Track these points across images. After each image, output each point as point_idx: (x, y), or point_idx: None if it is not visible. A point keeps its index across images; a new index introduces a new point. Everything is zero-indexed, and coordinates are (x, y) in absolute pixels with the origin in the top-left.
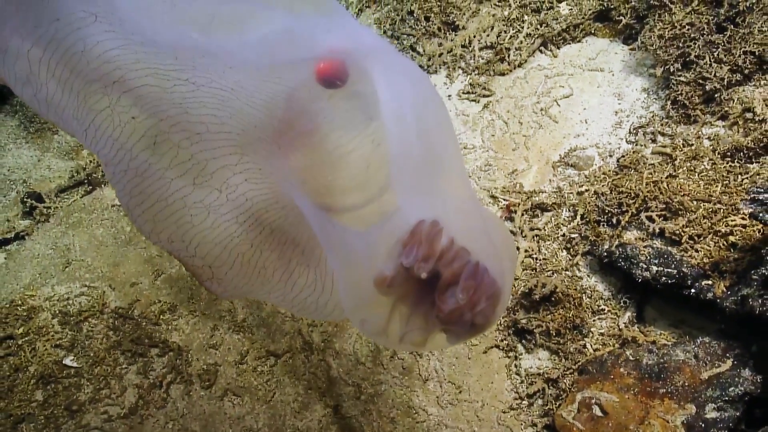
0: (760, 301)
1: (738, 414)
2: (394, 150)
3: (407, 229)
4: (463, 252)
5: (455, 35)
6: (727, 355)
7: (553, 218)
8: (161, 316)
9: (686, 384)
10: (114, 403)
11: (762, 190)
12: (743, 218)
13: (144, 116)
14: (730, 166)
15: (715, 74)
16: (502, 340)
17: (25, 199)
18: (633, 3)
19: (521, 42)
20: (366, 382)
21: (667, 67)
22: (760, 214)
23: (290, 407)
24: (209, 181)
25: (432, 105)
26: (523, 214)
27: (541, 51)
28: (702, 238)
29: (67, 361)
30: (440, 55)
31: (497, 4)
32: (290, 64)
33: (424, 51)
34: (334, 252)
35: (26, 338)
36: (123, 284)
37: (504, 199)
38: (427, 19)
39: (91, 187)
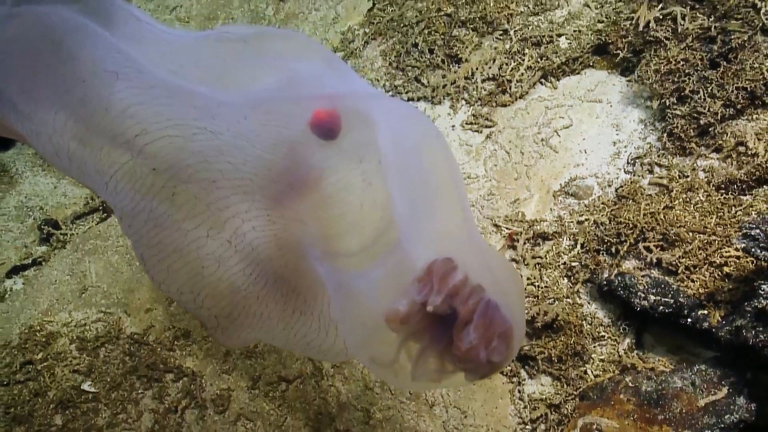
0: (753, 332)
1: None
2: (395, 189)
3: (418, 266)
4: (478, 289)
5: (458, 67)
6: (723, 383)
7: (554, 247)
8: (175, 342)
9: (684, 411)
10: (131, 427)
11: (753, 226)
12: (737, 250)
13: (165, 167)
14: (724, 198)
15: (709, 109)
16: (505, 366)
17: (42, 226)
18: (630, 38)
19: (522, 74)
20: (374, 407)
21: (663, 100)
22: (753, 249)
23: None
24: (221, 232)
25: (433, 143)
26: (525, 243)
27: (541, 83)
28: (698, 269)
29: (85, 386)
30: (444, 86)
31: (499, 37)
32: (287, 114)
33: (428, 82)
34: (338, 294)
35: (45, 363)
36: (138, 310)
37: (506, 228)
38: (431, 51)
39: (105, 214)
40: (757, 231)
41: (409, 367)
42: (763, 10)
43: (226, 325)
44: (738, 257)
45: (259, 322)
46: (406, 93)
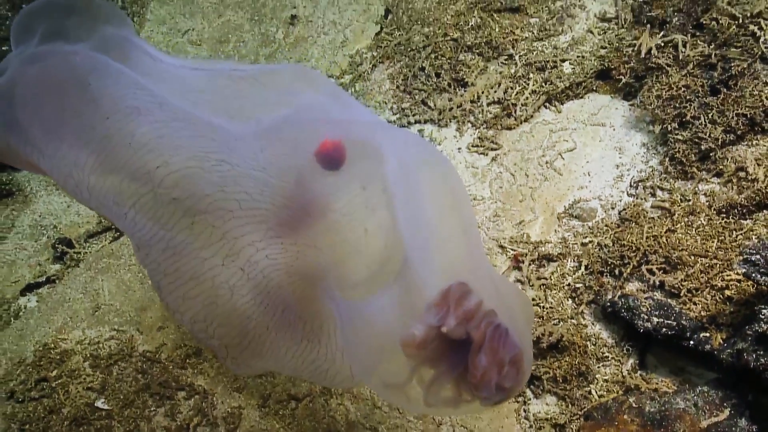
0: (754, 356)
1: None
2: (401, 216)
3: (427, 292)
4: (491, 314)
5: (464, 91)
6: (725, 404)
7: (558, 268)
8: (187, 360)
9: None
10: None
11: (753, 251)
12: (738, 274)
13: (185, 196)
14: (725, 222)
15: (709, 134)
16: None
17: (56, 245)
18: (632, 64)
19: (527, 98)
20: (383, 426)
21: (665, 125)
22: (753, 274)
23: None
24: (236, 260)
25: (439, 171)
26: (530, 264)
27: (545, 107)
28: (699, 292)
29: (99, 404)
30: (450, 109)
31: (504, 62)
32: (296, 144)
33: (435, 105)
34: (348, 321)
35: (59, 381)
36: (150, 328)
37: (512, 249)
38: (437, 75)
39: (118, 233)
40: (758, 257)
41: (421, 392)
42: (761, 39)
43: (236, 354)
44: (739, 281)
45: (269, 351)
46: (413, 116)
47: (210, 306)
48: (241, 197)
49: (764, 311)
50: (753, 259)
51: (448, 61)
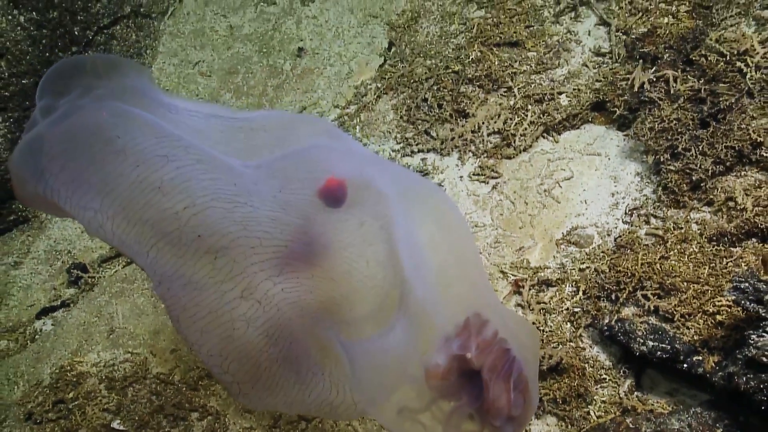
0: (744, 379)
1: None
2: (403, 251)
3: (438, 323)
4: (504, 341)
5: (466, 122)
6: (718, 425)
7: (557, 293)
8: (200, 382)
9: None
10: None
11: (742, 279)
12: (728, 300)
13: (209, 233)
14: (716, 249)
15: (700, 165)
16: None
17: (71, 269)
18: (626, 97)
19: (526, 129)
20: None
21: (658, 156)
22: (742, 302)
23: None
24: (254, 293)
25: (439, 206)
26: (530, 289)
27: (543, 137)
28: (692, 317)
29: (115, 425)
30: (452, 139)
31: (503, 94)
32: (303, 185)
33: (437, 135)
34: (357, 357)
35: (76, 402)
36: (163, 351)
37: (513, 275)
38: (439, 106)
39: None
40: (746, 284)
41: (436, 425)
42: (748, 75)
43: (248, 390)
44: (729, 306)
45: (278, 386)
46: (417, 145)
47: (227, 339)
48: (262, 235)
49: (753, 336)
50: (742, 286)
51: (450, 92)
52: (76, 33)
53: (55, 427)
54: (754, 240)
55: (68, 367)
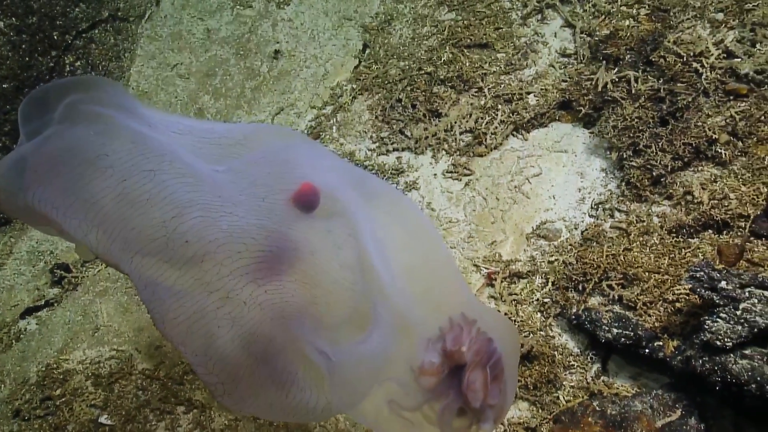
0: (700, 362)
1: None
2: (373, 255)
3: (427, 326)
4: (486, 335)
5: (439, 121)
6: (677, 406)
7: (528, 285)
8: (185, 377)
9: (644, 431)
10: None
11: (698, 269)
12: (686, 288)
13: (196, 239)
14: (675, 241)
15: (660, 161)
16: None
17: (54, 270)
18: (590, 96)
19: (496, 127)
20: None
21: (621, 153)
22: (698, 290)
23: None
24: (240, 294)
25: (407, 212)
26: (502, 281)
27: (513, 135)
28: (653, 305)
29: (102, 419)
30: (426, 138)
31: (474, 94)
32: (276, 191)
33: (411, 135)
34: (340, 364)
35: (63, 399)
36: (148, 347)
37: (485, 268)
38: (413, 106)
39: None
40: (702, 273)
41: (423, 423)
42: (704, 75)
43: (231, 390)
44: (687, 294)
45: (259, 385)
46: (392, 144)
47: (212, 338)
48: (248, 241)
49: (708, 322)
50: (698, 275)
51: (423, 93)
52: (55, 37)
53: (42, 423)
54: (710, 231)
55: (54, 365)
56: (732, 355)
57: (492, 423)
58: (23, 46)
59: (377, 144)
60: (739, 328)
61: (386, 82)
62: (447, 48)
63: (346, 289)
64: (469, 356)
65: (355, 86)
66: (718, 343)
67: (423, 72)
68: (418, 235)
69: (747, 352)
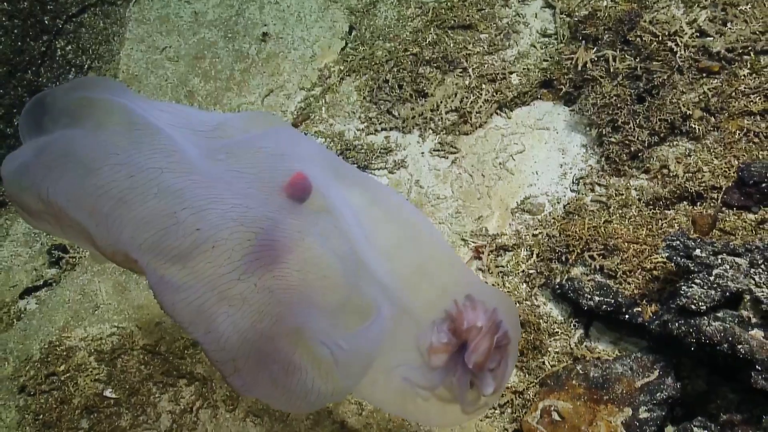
0: (677, 325)
1: (664, 413)
2: (361, 244)
3: (433, 308)
4: (495, 310)
5: (425, 101)
6: (655, 367)
7: (513, 257)
8: (185, 351)
9: (624, 392)
10: (151, 427)
11: (674, 238)
12: (663, 257)
13: (207, 227)
14: (653, 212)
15: (637, 137)
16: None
17: (52, 251)
18: (571, 75)
19: (480, 106)
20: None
21: (600, 129)
22: (674, 258)
23: (303, 424)
24: (251, 277)
25: (390, 199)
26: (489, 254)
27: (497, 113)
28: (632, 273)
29: (107, 393)
30: (413, 117)
31: (459, 75)
32: (271, 182)
33: (399, 114)
34: (350, 349)
35: (68, 375)
36: (149, 324)
37: (473, 242)
38: (400, 87)
39: None
40: (678, 242)
41: (432, 398)
42: (678, 54)
43: (241, 366)
44: (664, 263)
45: (265, 363)
46: (380, 124)
47: (222, 316)
48: (258, 231)
49: (683, 288)
50: (674, 244)
51: (409, 74)
52: (46, 22)
53: (48, 397)
54: (684, 203)
55: (57, 342)
56: (706, 317)
57: (492, 387)
58: (15, 31)
59: (366, 124)
60: (712, 292)
61: (373, 63)
62: (431, 29)
63: (341, 276)
64: (480, 332)
65: (342, 68)
66: (693, 307)
67: (409, 53)
68: (408, 222)
69: (719, 314)
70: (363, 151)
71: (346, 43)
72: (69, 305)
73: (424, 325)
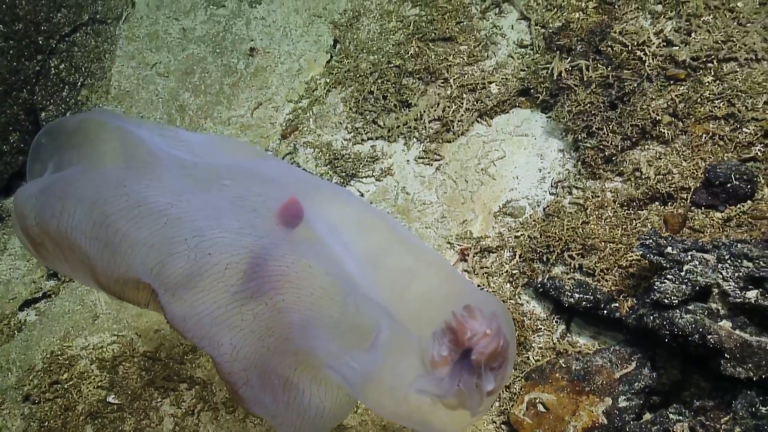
0: (651, 318)
1: (641, 402)
2: (348, 260)
3: (430, 322)
4: (494, 315)
5: (409, 111)
6: (632, 358)
7: (497, 258)
8: (185, 356)
9: (604, 383)
10: (154, 431)
11: (647, 237)
12: (637, 255)
13: (219, 252)
14: (627, 213)
15: (611, 142)
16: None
17: None
18: (547, 84)
19: (462, 115)
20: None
21: (576, 135)
22: (648, 255)
23: None
24: (262, 297)
25: (370, 216)
26: (474, 256)
27: (478, 122)
28: (609, 271)
29: (110, 399)
30: (398, 127)
31: (441, 85)
32: (267, 207)
33: (384, 124)
34: (358, 370)
35: (71, 382)
36: (148, 331)
37: (458, 245)
38: (384, 98)
39: None
40: (650, 241)
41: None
42: (647, 63)
43: (251, 377)
44: (639, 260)
45: (275, 377)
46: (366, 134)
47: (234, 329)
48: (264, 253)
49: (657, 283)
50: (647, 243)
51: (393, 85)
52: (40, 42)
53: (53, 405)
54: (656, 203)
55: (59, 352)
56: (678, 311)
57: (493, 385)
58: (11, 51)
59: (352, 134)
60: (683, 287)
61: (358, 75)
62: (413, 42)
63: (342, 296)
64: (480, 342)
65: (328, 80)
66: (666, 301)
67: (392, 65)
68: (398, 237)
69: (690, 307)
70: (350, 160)
71: (331, 57)
72: (69, 315)
73: (425, 338)
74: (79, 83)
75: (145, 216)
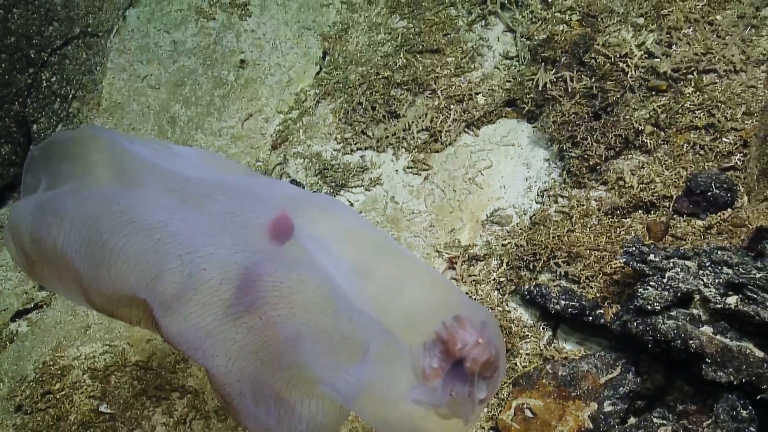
0: (635, 324)
1: (626, 406)
2: (343, 281)
3: (421, 333)
4: (484, 325)
5: (397, 121)
6: (617, 363)
7: (485, 266)
8: (177, 366)
9: (590, 388)
10: None
11: (630, 245)
12: (621, 262)
13: (213, 267)
14: (611, 221)
15: (595, 151)
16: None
17: None
18: (532, 95)
19: (450, 125)
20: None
21: (561, 145)
22: (631, 263)
23: None
24: (257, 311)
25: (355, 225)
26: (462, 264)
27: (465, 132)
28: (594, 278)
29: (102, 408)
30: (387, 137)
31: (429, 96)
32: (256, 226)
33: (373, 135)
34: (353, 385)
35: (63, 392)
36: (139, 341)
37: (447, 253)
38: (373, 108)
39: None
40: (633, 248)
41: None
42: (629, 74)
43: (245, 387)
44: (622, 267)
45: (268, 390)
46: (355, 144)
47: (228, 342)
48: (257, 268)
49: (640, 290)
50: (630, 250)
51: (382, 96)
52: (32, 55)
53: (45, 415)
54: (640, 212)
55: (51, 362)
56: (660, 317)
57: (485, 393)
58: (3, 65)
59: (342, 144)
60: (666, 293)
61: (347, 86)
62: (401, 54)
63: (334, 310)
64: (473, 352)
65: (318, 91)
66: (649, 307)
67: (381, 76)
68: (385, 248)
69: (672, 313)
70: (340, 170)
71: (321, 68)
72: (60, 326)
73: (416, 348)
74: (71, 96)
75: (139, 232)
